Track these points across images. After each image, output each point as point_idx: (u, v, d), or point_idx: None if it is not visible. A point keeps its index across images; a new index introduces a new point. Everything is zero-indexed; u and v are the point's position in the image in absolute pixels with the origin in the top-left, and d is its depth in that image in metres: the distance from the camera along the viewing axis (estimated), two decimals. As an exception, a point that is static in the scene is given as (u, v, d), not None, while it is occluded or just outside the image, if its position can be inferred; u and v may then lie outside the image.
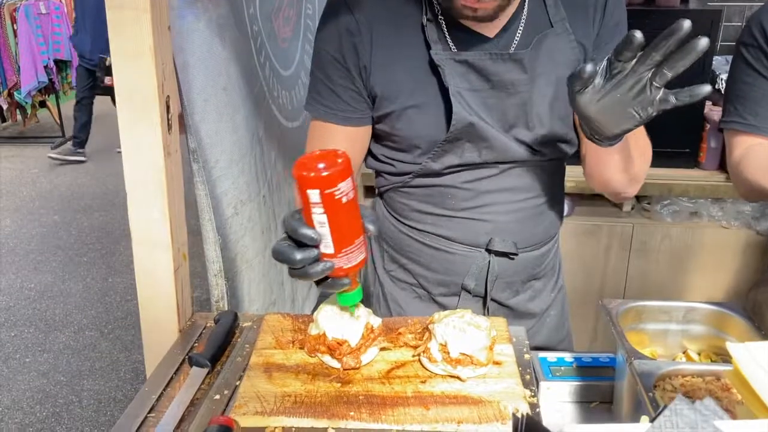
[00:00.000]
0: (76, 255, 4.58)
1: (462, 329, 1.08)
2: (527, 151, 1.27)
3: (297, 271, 0.96)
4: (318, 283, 1.00)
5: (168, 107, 1.14)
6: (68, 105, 7.61)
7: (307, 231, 0.93)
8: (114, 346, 3.55)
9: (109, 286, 4.14)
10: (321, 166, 0.90)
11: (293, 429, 1.00)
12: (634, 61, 0.91)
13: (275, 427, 1.00)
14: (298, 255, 0.94)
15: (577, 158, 1.33)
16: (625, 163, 1.18)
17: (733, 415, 0.84)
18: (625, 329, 1.07)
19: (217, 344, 1.19)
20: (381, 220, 1.45)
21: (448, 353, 1.07)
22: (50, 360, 3.44)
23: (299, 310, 2.07)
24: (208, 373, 1.14)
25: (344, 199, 0.92)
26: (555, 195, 1.39)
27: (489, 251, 1.35)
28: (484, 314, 1.40)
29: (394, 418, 1.00)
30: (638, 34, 0.87)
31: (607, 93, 0.95)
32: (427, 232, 1.38)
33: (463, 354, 1.07)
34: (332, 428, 1.00)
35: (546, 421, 1.10)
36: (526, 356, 1.19)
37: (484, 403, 1.03)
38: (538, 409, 1.03)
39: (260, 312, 1.64)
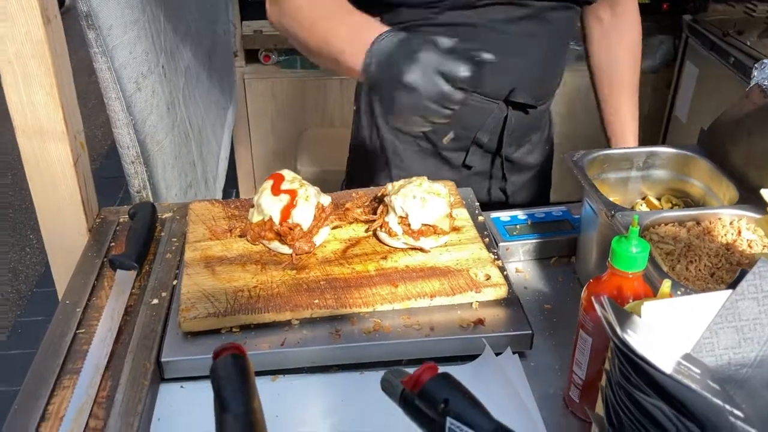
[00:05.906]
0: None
1: (423, 199, 0.99)
2: None
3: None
4: None
5: (38, -42, 0.91)
6: None
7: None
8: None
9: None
10: None
11: (252, 326, 0.89)
12: None
13: (231, 327, 0.89)
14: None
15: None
16: None
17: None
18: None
19: (139, 242, 1.03)
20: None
21: (409, 225, 0.99)
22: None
23: (212, 192, 1.89)
24: (137, 276, 0.99)
25: None
26: (567, 44, 1.33)
27: (508, 103, 1.26)
28: (491, 171, 1.35)
29: (362, 300, 0.91)
30: None
31: None
32: None
33: (426, 225, 0.99)
34: (296, 320, 0.90)
35: (511, 280, 1.06)
36: (480, 218, 1.13)
37: (453, 272, 0.96)
38: (505, 272, 0.98)
39: (179, 199, 1.46)
